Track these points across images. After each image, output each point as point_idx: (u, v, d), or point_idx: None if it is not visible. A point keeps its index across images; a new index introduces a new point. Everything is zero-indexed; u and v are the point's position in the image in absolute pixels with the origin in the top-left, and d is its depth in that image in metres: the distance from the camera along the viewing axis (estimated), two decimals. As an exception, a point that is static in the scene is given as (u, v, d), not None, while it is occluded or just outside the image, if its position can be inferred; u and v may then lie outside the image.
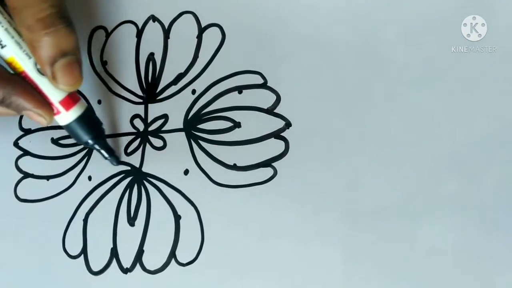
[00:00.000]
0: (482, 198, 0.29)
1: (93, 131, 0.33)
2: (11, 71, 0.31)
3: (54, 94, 0.32)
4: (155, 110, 0.36)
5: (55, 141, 0.38)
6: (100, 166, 0.36)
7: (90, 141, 0.34)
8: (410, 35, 0.32)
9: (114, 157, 0.35)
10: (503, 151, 0.30)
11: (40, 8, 0.29)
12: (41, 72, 0.31)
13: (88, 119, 0.33)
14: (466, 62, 0.31)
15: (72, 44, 0.31)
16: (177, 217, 0.33)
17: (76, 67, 0.31)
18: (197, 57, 0.36)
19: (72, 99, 0.32)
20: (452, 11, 0.32)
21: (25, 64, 0.31)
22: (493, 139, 0.30)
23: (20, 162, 0.38)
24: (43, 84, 0.31)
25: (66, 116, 0.32)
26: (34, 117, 0.32)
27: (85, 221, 0.35)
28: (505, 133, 0.30)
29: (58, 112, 0.32)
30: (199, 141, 0.34)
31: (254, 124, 0.33)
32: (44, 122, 0.32)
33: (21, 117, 0.39)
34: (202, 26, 0.36)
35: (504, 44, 0.31)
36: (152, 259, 0.33)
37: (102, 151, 0.35)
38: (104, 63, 0.38)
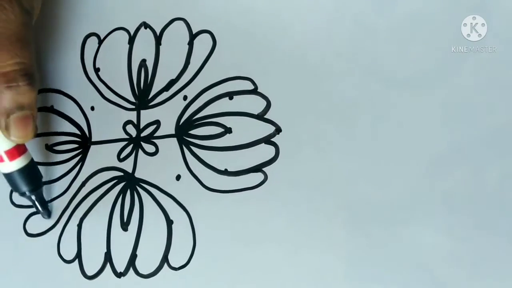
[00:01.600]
0: (482, 198, 0.29)
1: (32, 183, 0.34)
2: None
3: (1, 143, 0.33)
4: (147, 116, 0.36)
5: (49, 147, 0.38)
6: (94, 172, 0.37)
7: (27, 193, 0.35)
8: (410, 35, 0.32)
9: (47, 211, 0.36)
10: (502, 152, 0.30)
11: (6, 63, 0.32)
12: None
13: (29, 172, 0.34)
14: (466, 62, 0.31)
15: (30, 100, 0.32)
16: (169, 222, 0.34)
17: (30, 122, 0.33)
18: (189, 63, 0.36)
19: (18, 150, 0.33)
20: (452, 11, 0.32)
21: None
22: (492, 139, 0.30)
23: (15, 168, 0.38)
24: None
25: (9, 166, 0.33)
26: None
27: (80, 226, 0.36)
28: (504, 134, 0.30)
29: (2, 160, 0.33)
30: (191, 146, 0.35)
31: (245, 130, 0.34)
32: None
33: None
34: (193, 32, 0.36)
35: (504, 44, 0.31)
36: (145, 263, 0.34)
37: (37, 204, 0.35)
38: (96, 70, 0.38)
